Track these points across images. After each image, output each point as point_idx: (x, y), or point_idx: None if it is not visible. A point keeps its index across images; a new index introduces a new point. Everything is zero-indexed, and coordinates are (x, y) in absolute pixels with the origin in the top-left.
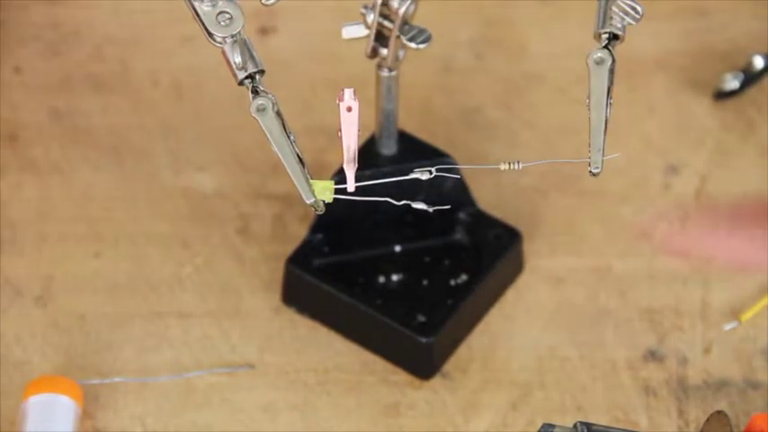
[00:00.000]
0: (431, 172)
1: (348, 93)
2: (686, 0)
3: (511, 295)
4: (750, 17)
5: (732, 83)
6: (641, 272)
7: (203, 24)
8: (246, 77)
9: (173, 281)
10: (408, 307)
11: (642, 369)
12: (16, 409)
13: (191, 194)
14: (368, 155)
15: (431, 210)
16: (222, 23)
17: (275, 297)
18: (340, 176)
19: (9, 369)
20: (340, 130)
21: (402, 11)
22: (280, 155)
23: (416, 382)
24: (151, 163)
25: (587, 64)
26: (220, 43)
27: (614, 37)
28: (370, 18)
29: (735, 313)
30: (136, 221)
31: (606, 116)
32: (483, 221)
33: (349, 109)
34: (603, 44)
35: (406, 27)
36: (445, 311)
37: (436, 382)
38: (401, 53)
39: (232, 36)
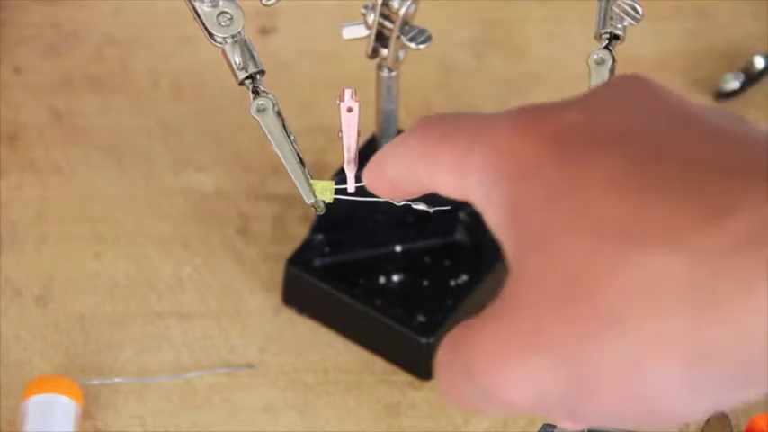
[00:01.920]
0: None
1: (348, 93)
2: (686, 0)
3: None
4: (750, 17)
5: (732, 83)
6: None
7: (203, 24)
8: (247, 78)
9: (173, 281)
10: (408, 307)
11: None
12: (16, 409)
13: (191, 194)
14: (368, 155)
15: (431, 210)
16: (222, 24)
17: (275, 297)
18: (340, 177)
19: (9, 369)
20: (341, 130)
21: (402, 11)
22: (280, 155)
23: (416, 382)
24: (151, 163)
25: (588, 64)
26: (221, 43)
27: (615, 37)
28: (371, 18)
29: None
30: (136, 221)
31: None
32: (483, 222)
33: (349, 109)
34: (604, 44)
35: (407, 27)
36: (445, 311)
37: (436, 382)
38: (401, 53)
39: (232, 36)
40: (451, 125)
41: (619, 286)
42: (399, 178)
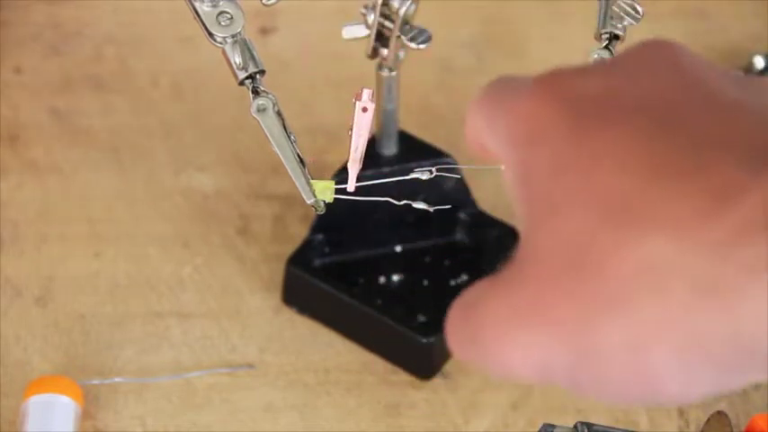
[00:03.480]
0: (431, 172)
1: (366, 93)
2: (686, 0)
3: None
4: (750, 17)
5: None
6: None
7: (204, 24)
8: (247, 77)
9: (173, 281)
10: (408, 307)
11: None
12: (16, 409)
13: (191, 194)
14: (368, 155)
15: (431, 209)
16: (223, 23)
17: (275, 297)
18: (340, 177)
19: (9, 369)
20: (350, 129)
21: (402, 11)
22: (280, 155)
23: (417, 382)
24: (151, 163)
25: None
26: (221, 43)
27: (615, 37)
28: (371, 18)
29: None
30: (136, 221)
31: None
32: (483, 222)
33: (365, 110)
34: (604, 44)
35: (407, 27)
36: (445, 311)
37: (436, 382)
38: (402, 53)
39: (233, 36)
40: (492, 87)
41: (623, 268)
42: (478, 137)
